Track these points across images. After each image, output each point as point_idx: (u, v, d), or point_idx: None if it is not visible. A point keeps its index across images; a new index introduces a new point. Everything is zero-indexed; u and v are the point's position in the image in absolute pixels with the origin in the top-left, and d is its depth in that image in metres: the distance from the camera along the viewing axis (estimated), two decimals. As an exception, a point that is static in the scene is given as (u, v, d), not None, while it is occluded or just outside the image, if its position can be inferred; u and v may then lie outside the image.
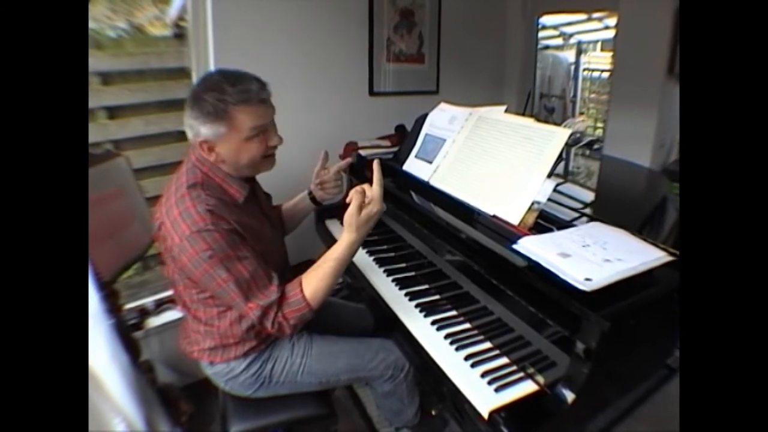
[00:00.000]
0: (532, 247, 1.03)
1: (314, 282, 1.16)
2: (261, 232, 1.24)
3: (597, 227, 1.17)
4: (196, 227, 1.07)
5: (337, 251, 1.17)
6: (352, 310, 1.63)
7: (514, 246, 1.06)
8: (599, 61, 5.62)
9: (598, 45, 5.63)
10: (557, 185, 1.25)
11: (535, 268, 1.00)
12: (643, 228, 1.37)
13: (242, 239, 1.13)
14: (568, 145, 1.29)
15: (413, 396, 1.45)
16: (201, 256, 1.08)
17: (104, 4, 2.00)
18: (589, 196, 1.76)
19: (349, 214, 1.14)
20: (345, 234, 1.16)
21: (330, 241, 1.84)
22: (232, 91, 1.11)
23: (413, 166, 1.65)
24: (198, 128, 1.13)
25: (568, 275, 0.93)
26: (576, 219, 1.32)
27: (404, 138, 1.90)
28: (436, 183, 1.50)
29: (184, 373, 1.84)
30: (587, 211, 1.43)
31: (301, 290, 1.15)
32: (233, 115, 1.12)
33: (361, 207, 1.14)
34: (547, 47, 5.15)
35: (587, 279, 0.91)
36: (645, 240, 1.10)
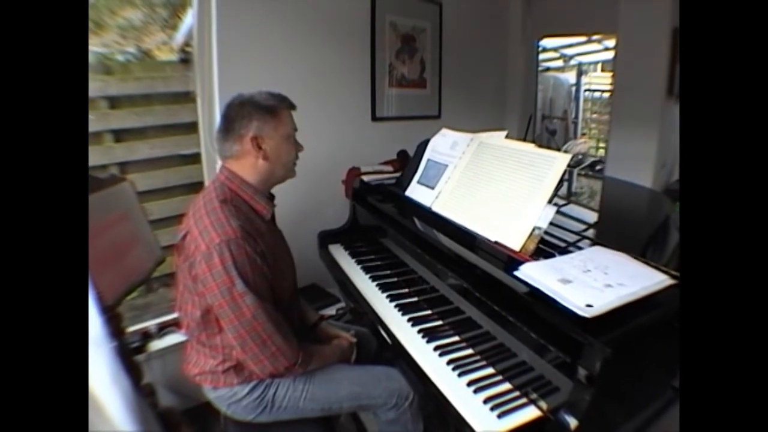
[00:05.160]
0: (533, 273, 1.04)
1: None
2: (281, 254, 1.34)
3: (598, 252, 1.17)
4: (226, 237, 1.12)
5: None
6: (356, 334, 1.62)
7: (515, 273, 1.06)
8: (600, 81, 5.68)
9: (599, 66, 5.70)
10: (560, 207, 1.26)
11: (536, 294, 1.01)
12: (645, 250, 1.37)
13: (264, 262, 1.20)
14: (570, 167, 1.30)
15: (417, 423, 1.43)
16: (225, 267, 1.11)
17: (115, 30, 2.05)
18: (592, 217, 1.77)
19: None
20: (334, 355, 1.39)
21: (333, 266, 1.85)
22: (278, 97, 1.30)
23: (415, 191, 1.67)
24: (249, 126, 1.24)
25: (569, 302, 0.93)
26: (578, 241, 1.33)
27: (406, 163, 1.91)
28: (438, 209, 1.51)
29: (185, 396, 1.83)
30: (590, 233, 1.43)
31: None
32: (281, 114, 1.29)
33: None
34: (548, 69, 5.21)
35: (588, 305, 0.91)
36: (647, 263, 1.10)
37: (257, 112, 1.24)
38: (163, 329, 1.98)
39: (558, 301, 0.95)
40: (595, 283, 1.00)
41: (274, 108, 1.27)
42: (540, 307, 1.00)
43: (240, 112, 1.24)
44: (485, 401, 1.08)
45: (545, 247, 1.24)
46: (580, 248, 1.28)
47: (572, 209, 1.69)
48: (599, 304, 0.91)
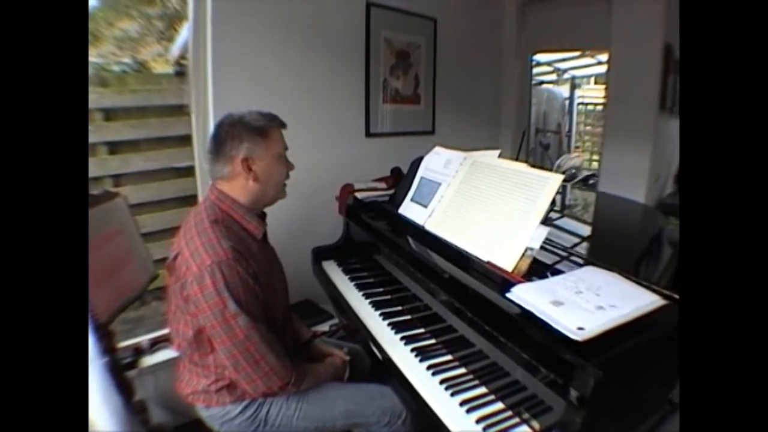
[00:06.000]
0: (524, 295, 1.04)
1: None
2: (273, 273, 1.35)
3: (591, 272, 1.18)
4: (217, 258, 1.12)
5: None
6: (349, 351, 1.61)
7: (508, 294, 1.07)
8: (593, 94, 5.74)
9: (592, 79, 5.76)
10: (554, 220, 1.26)
11: (528, 315, 1.01)
12: (638, 265, 1.38)
13: (256, 282, 1.19)
14: (564, 181, 1.31)
15: (410, 441, 1.43)
16: (217, 288, 1.11)
17: (112, 41, 2.05)
18: (585, 230, 1.78)
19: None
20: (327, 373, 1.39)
21: (326, 283, 1.85)
22: (268, 117, 1.29)
23: (409, 209, 1.67)
24: (240, 147, 1.23)
25: (561, 324, 0.93)
26: (570, 255, 1.34)
27: (400, 180, 1.92)
28: (431, 227, 1.51)
29: (178, 413, 1.81)
30: (583, 245, 1.44)
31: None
32: (271, 133, 1.28)
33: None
34: (541, 83, 5.27)
35: (580, 328, 0.91)
36: (639, 283, 1.11)
37: (247, 133, 1.24)
38: (156, 344, 1.96)
39: (550, 323, 0.95)
40: (587, 305, 1.00)
41: (265, 128, 1.26)
42: (532, 329, 1.00)
43: (230, 133, 1.24)
44: (478, 421, 1.08)
45: (537, 264, 1.24)
46: (573, 263, 1.29)
47: (566, 222, 1.71)
48: (591, 327, 0.92)
